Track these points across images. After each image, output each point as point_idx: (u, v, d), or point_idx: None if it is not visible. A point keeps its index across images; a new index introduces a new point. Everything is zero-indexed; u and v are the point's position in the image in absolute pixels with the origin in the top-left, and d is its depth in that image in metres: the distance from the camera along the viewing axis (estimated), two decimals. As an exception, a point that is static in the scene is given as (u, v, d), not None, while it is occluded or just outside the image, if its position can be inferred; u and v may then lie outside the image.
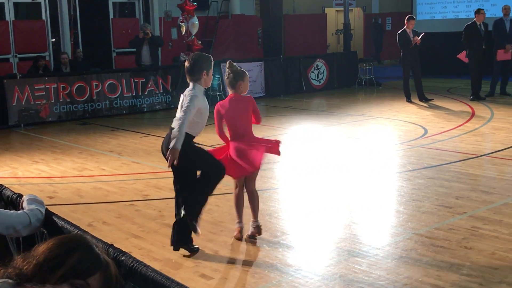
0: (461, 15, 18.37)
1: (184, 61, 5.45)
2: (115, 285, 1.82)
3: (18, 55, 15.55)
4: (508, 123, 10.79)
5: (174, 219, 5.13)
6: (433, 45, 17.49)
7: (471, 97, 13.66)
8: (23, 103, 12.12)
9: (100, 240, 2.34)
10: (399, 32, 13.64)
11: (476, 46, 13.32)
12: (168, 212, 6.19)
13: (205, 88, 5.09)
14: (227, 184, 5.74)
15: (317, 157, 8.70)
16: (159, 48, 15.41)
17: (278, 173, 7.85)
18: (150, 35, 14.35)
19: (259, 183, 5.72)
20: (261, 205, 5.79)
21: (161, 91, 13.90)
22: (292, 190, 7.13)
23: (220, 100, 13.50)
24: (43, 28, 15.91)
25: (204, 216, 5.29)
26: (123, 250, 2.31)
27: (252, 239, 5.35)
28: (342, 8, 19.36)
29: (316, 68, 16.59)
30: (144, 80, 13.65)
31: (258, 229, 5.35)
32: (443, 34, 17.98)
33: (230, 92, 5.39)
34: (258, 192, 5.43)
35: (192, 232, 5.05)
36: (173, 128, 4.90)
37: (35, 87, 12.27)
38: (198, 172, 5.12)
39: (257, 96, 14.12)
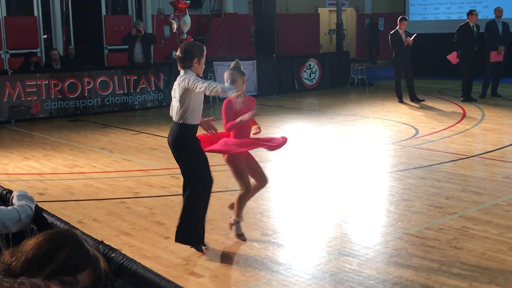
0: (453, 16, 18.43)
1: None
2: (105, 280, 1.81)
3: (10, 51, 15.45)
4: (498, 124, 10.84)
5: (164, 217, 5.11)
6: (425, 46, 17.55)
7: (462, 98, 13.72)
8: (14, 99, 12.07)
9: (90, 237, 2.32)
10: (391, 32, 13.68)
11: (468, 47, 13.38)
12: (159, 210, 6.18)
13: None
14: (217, 182, 5.72)
15: (308, 156, 8.70)
16: (152, 46, 15.36)
17: (269, 171, 7.82)
18: (143, 32, 14.30)
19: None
20: (252, 204, 5.80)
21: (153, 89, 13.88)
22: (284, 189, 7.13)
23: (211, 99, 13.63)
24: (35, 24, 15.81)
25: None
26: (114, 247, 2.30)
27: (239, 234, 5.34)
28: (335, 8, 19.40)
29: (308, 67, 16.60)
30: (136, 77, 13.62)
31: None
32: (435, 35, 18.04)
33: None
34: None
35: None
36: (175, 121, 4.86)
37: (27, 83, 12.22)
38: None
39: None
